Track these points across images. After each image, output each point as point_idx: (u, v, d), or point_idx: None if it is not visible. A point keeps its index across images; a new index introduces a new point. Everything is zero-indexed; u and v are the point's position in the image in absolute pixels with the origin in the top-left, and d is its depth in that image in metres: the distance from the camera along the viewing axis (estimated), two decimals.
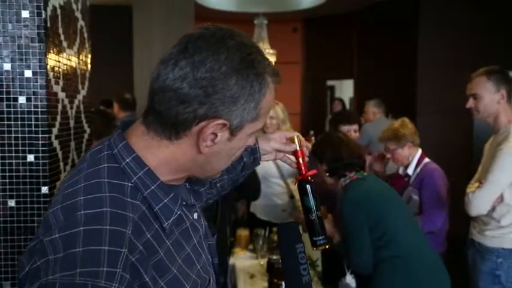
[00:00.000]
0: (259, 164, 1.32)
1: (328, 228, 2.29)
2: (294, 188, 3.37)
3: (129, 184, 0.80)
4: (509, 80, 2.40)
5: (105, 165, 0.80)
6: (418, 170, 2.82)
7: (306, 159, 1.22)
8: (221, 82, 0.77)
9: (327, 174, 2.30)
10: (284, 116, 3.33)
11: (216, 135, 0.80)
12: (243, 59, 0.79)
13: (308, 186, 1.16)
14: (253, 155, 1.27)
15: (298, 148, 1.21)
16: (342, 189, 2.25)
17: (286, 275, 1.02)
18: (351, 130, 3.28)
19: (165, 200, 0.82)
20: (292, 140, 1.23)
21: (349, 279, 2.38)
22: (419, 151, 2.88)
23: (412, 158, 2.86)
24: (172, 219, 0.83)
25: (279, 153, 1.29)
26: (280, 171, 3.27)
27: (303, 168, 1.18)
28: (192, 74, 0.77)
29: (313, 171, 1.19)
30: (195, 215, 0.93)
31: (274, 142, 1.26)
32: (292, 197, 3.36)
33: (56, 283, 0.67)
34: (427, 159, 2.86)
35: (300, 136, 1.24)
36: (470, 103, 2.41)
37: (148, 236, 0.78)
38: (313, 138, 4.21)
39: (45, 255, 0.71)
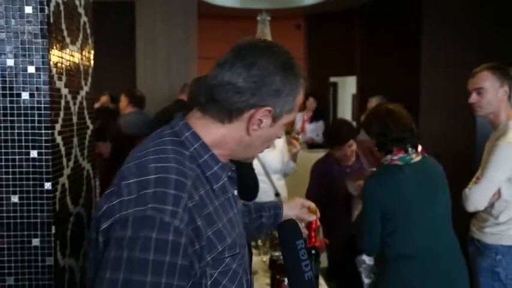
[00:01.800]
0: (275, 227, 1.53)
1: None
2: (279, 184, 3.39)
3: (187, 153, 0.99)
4: (511, 77, 2.38)
5: (168, 138, 1.01)
6: None
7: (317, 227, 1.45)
8: (269, 78, 0.98)
9: (376, 148, 2.18)
10: None
11: (261, 121, 1.01)
12: (285, 62, 1.01)
13: (315, 253, 1.36)
14: (275, 218, 1.47)
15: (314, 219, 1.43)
16: (378, 167, 2.20)
17: (288, 272, 1.06)
18: (344, 149, 2.88)
19: (215, 168, 1.01)
20: (312, 211, 1.44)
21: (365, 255, 2.36)
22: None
23: None
24: (220, 183, 1.02)
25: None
26: (265, 168, 3.23)
27: (313, 237, 1.38)
28: (246, 71, 0.97)
29: (323, 241, 1.39)
30: (235, 192, 1.13)
31: (297, 211, 1.48)
32: (277, 194, 3.36)
33: (129, 217, 0.86)
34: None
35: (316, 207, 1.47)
36: (474, 98, 2.39)
37: (202, 192, 0.96)
38: (300, 137, 4.14)
39: (121, 196, 0.89)
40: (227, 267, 0.98)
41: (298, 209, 1.46)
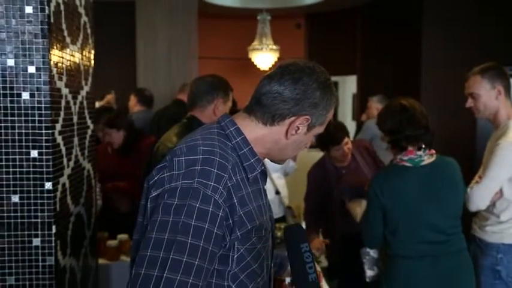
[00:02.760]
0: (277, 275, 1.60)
1: None
2: (279, 183, 3.43)
3: (230, 144, 1.15)
4: (505, 75, 2.38)
5: (215, 130, 1.17)
6: None
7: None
8: (311, 92, 1.16)
9: (389, 146, 2.14)
10: None
11: (298, 128, 1.17)
12: (325, 81, 1.19)
13: None
14: (279, 267, 1.58)
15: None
16: (377, 166, 2.18)
17: (293, 274, 1.12)
18: (342, 148, 2.81)
19: (252, 160, 1.16)
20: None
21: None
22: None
23: None
24: (254, 173, 1.16)
25: None
26: (265, 166, 3.24)
27: None
28: (293, 85, 1.15)
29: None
30: (265, 186, 1.26)
31: None
32: (277, 192, 3.38)
33: (178, 187, 1.01)
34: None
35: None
36: (469, 102, 2.41)
37: (238, 177, 1.10)
38: None
39: (171, 171, 1.05)
40: (253, 246, 1.12)
41: None
